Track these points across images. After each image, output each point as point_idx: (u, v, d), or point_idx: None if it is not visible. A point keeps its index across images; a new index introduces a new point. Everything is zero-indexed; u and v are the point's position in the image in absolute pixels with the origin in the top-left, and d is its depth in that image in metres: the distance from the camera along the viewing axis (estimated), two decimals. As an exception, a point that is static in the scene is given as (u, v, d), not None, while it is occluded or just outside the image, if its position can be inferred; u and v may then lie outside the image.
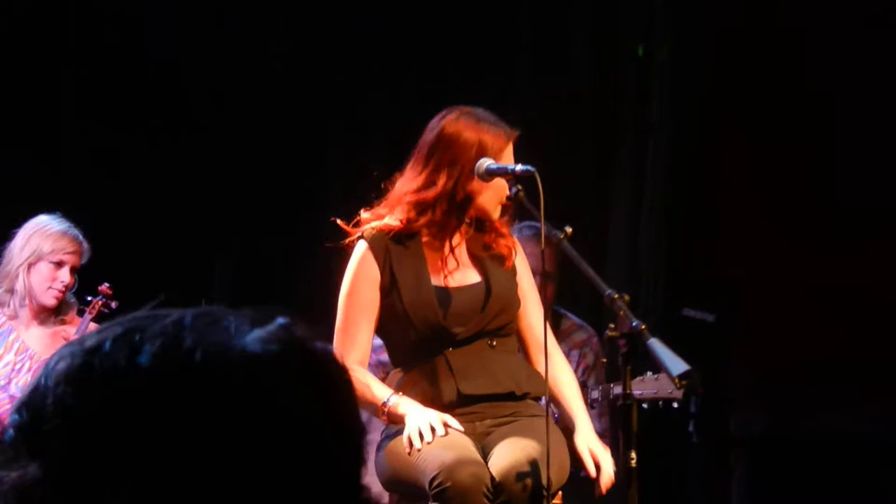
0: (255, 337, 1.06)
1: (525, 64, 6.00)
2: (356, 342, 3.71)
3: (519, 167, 3.64)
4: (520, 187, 3.67)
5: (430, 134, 3.70)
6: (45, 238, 4.69)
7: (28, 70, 6.17)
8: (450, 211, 3.68)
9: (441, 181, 3.65)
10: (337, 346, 3.71)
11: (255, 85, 6.34)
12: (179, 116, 6.43)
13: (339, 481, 1.06)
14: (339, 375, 1.10)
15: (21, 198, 4.92)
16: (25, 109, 6.12)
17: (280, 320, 1.10)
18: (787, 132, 5.53)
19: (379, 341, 3.89)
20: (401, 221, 3.69)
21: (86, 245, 4.74)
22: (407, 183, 3.69)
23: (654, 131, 5.68)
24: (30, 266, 4.68)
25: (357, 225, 3.75)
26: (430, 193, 3.65)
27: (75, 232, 4.75)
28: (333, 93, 6.36)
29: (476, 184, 3.67)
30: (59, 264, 4.68)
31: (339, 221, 3.77)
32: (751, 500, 5.48)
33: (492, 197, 3.70)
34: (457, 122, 3.68)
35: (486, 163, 3.68)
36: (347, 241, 3.75)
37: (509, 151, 3.72)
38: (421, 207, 3.67)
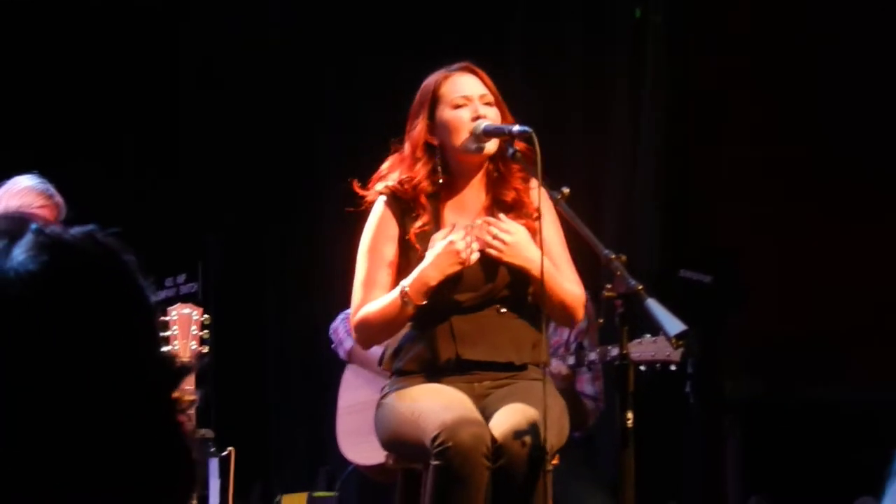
0: (21, 253, 1.09)
1: (517, 25, 5.98)
2: (375, 297, 3.72)
3: (516, 128, 3.64)
4: (517, 148, 3.67)
5: None
6: (11, 197, 4.60)
7: (19, 38, 6.15)
8: (430, 165, 3.71)
9: (408, 145, 3.74)
10: (356, 300, 3.75)
11: (249, 57, 6.33)
12: (172, 88, 6.42)
13: (142, 363, 1.12)
14: (105, 257, 1.14)
15: (8, 168, 4.87)
16: (15, 79, 6.11)
17: (32, 226, 1.12)
18: (787, 94, 5.51)
19: None
20: (402, 184, 3.71)
21: (58, 198, 4.63)
22: (399, 153, 3.78)
23: (649, 92, 5.67)
24: None
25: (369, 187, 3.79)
26: (408, 158, 3.73)
27: (45, 186, 4.65)
28: (327, 65, 6.35)
29: (438, 130, 3.72)
30: None
31: (354, 185, 3.79)
32: (745, 464, 5.49)
33: (453, 134, 3.70)
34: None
35: (482, 123, 3.69)
36: (367, 201, 3.78)
37: (464, 84, 3.74)
38: (407, 170, 3.73)
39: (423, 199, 3.71)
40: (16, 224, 1.12)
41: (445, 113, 3.71)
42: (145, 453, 1.10)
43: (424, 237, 3.70)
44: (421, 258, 3.66)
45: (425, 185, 3.70)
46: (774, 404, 5.47)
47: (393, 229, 3.73)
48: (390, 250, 3.73)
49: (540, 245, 3.67)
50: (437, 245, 3.62)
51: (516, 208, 3.75)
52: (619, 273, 3.42)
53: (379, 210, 3.75)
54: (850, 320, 5.35)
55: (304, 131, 6.38)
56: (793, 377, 5.46)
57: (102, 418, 1.07)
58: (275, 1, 6.41)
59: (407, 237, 3.71)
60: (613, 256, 3.44)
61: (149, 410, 1.11)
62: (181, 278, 5.32)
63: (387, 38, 6.10)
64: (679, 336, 3.32)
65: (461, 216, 3.77)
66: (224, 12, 6.31)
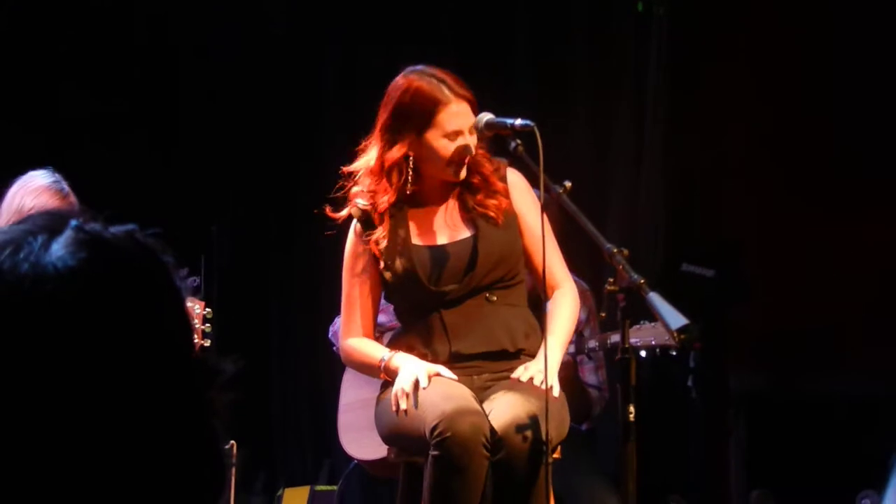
0: (60, 249, 1.09)
1: (522, 21, 5.98)
2: (359, 316, 3.82)
3: (518, 121, 3.63)
4: (519, 142, 3.66)
5: (382, 108, 3.77)
6: (27, 194, 4.60)
7: (25, 37, 6.16)
8: (404, 180, 3.72)
9: (386, 156, 3.72)
10: (343, 318, 3.88)
11: (254, 49, 6.33)
12: (177, 80, 6.42)
13: (178, 364, 1.11)
14: (144, 256, 1.14)
15: (20, 164, 4.87)
16: (22, 77, 6.11)
17: (72, 222, 1.11)
18: (789, 87, 5.51)
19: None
20: (371, 198, 3.73)
21: (73, 198, 4.65)
22: (369, 159, 3.76)
23: (653, 86, 5.66)
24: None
25: (342, 208, 3.81)
26: (383, 167, 3.72)
27: (61, 185, 4.65)
28: (330, 58, 6.35)
29: (421, 151, 3.70)
30: None
31: (327, 210, 3.82)
32: (748, 458, 5.50)
33: (434, 161, 3.71)
34: (396, 92, 3.73)
35: (485, 117, 3.69)
36: (340, 223, 3.81)
37: (461, 116, 3.69)
38: (379, 183, 3.74)
39: (383, 211, 3.74)
40: (56, 220, 1.12)
41: (437, 141, 3.69)
42: (178, 453, 1.09)
43: (385, 250, 3.75)
44: (390, 268, 3.73)
45: (392, 196, 3.74)
46: (777, 398, 5.47)
47: (365, 247, 3.80)
48: (366, 269, 3.81)
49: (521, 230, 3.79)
50: (406, 370, 3.65)
51: (483, 189, 3.76)
52: (621, 267, 3.42)
53: (353, 231, 3.83)
54: (853, 314, 5.35)
55: (309, 125, 6.38)
56: (796, 371, 5.47)
57: (135, 417, 1.07)
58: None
59: (380, 250, 3.76)
60: (616, 250, 3.44)
61: (183, 411, 1.10)
62: (184, 272, 5.33)
63: (390, 32, 6.10)
64: (681, 330, 3.31)
65: (430, 210, 3.80)
66: (225, 9, 6.31)
